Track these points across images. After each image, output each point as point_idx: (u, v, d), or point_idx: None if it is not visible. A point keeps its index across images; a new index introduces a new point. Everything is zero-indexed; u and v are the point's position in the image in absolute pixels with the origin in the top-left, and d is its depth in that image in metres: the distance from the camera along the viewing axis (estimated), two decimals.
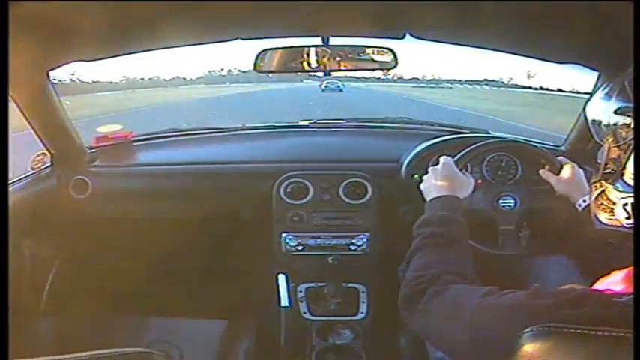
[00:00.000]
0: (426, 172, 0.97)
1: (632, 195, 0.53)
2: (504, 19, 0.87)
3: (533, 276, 1.12)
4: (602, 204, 0.58)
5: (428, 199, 0.91)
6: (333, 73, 1.14)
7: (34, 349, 1.04)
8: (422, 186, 0.96)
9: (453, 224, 0.80)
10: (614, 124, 0.55)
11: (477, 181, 1.18)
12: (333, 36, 1.01)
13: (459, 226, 0.81)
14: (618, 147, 0.55)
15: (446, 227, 0.79)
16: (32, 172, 1.23)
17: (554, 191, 1.05)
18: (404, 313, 0.69)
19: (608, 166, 0.57)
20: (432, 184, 0.93)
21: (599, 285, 0.55)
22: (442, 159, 0.97)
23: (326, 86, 16.15)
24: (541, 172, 1.08)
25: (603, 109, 0.57)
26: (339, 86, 16.61)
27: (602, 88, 0.59)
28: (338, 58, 1.06)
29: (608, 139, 0.56)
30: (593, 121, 0.59)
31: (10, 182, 1.12)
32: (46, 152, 1.26)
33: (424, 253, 0.75)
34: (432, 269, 0.69)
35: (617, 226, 0.55)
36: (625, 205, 0.54)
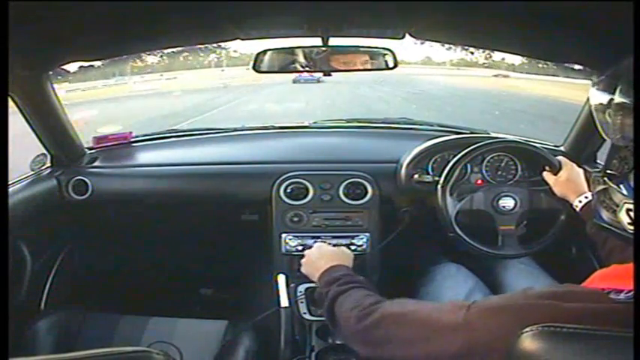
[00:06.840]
0: (426, 173, 0.97)
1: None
2: (504, 18, 0.87)
3: (532, 276, 1.12)
4: (604, 201, 0.55)
5: (318, 273, 0.88)
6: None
7: (34, 348, 1.04)
8: (303, 269, 0.96)
9: (355, 276, 0.81)
10: (621, 122, 0.51)
11: (476, 182, 1.19)
12: (332, 36, 1.01)
13: (362, 280, 0.81)
14: (626, 147, 0.51)
15: (352, 277, 0.80)
16: (32, 172, 1.23)
17: (554, 191, 1.06)
18: (362, 348, 0.67)
19: (614, 163, 0.53)
20: (318, 261, 0.92)
21: (594, 280, 0.54)
22: (315, 244, 1.01)
23: (298, 79, 19.38)
24: (541, 172, 1.09)
25: (606, 102, 0.53)
26: (317, 79, 20.24)
27: (601, 80, 0.55)
28: (337, 58, 1.06)
29: (615, 136, 0.52)
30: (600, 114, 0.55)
31: (10, 183, 1.12)
32: (46, 153, 1.26)
33: (348, 294, 0.74)
34: (366, 299, 0.68)
35: (619, 228, 0.52)
36: (629, 210, 0.50)
